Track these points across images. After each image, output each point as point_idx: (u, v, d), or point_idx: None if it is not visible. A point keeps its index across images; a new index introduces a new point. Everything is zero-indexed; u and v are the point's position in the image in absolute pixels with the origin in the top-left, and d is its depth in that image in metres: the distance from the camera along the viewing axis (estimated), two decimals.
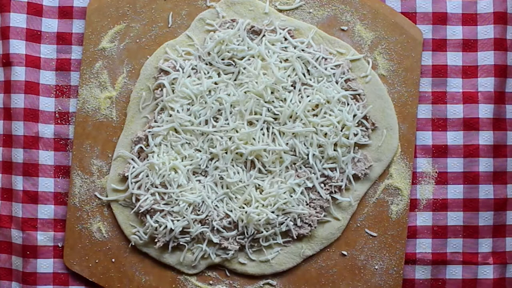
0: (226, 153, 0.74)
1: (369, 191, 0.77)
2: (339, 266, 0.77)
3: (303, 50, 0.76)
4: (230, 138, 0.74)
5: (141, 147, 0.75)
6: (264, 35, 0.76)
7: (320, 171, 0.74)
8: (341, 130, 0.74)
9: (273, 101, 0.74)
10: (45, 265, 0.77)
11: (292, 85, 0.75)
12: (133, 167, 0.75)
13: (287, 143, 0.74)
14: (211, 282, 0.77)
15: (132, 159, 0.76)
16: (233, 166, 0.74)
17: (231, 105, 0.74)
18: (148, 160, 0.75)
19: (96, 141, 0.77)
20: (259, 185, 0.74)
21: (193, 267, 0.76)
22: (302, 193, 0.74)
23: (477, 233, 0.77)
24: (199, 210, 0.74)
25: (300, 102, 0.74)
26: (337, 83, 0.75)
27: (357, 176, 0.76)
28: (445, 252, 0.77)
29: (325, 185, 0.75)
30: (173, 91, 0.75)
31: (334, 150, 0.74)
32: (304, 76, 0.75)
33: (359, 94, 0.76)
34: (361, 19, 0.77)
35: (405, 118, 0.77)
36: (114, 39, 0.78)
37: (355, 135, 0.75)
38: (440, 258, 0.77)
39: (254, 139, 0.74)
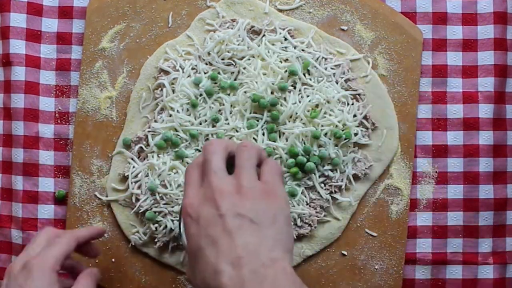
0: None
1: (369, 191, 0.77)
2: (339, 266, 0.77)
3: (303, 50, 0.76)
4: (230, 138, 0.74)
5: (141, 147, 0.75)
6: (264, 35, 0.76)
7: (320, 171, 0.74)
8: (342, 130, 0.74)
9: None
10: None
11: (292, 85, 0.75)
12: (133, 167, 0.75)
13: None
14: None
15: (132, 159, 0.76)
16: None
17: (231, 105, 0.75)
18: (148, 160, 0.75)
19: (96, 141, 0.77)
20: None
21: None
22: (302, 193, 0.74)
23: (477, 233, 0.77)
24: None
25: (300, 102, 0.74)
26: (337, 83, 0.75)
27: (357, 176, 0.76)
28: (445, 252, 0.77)
29: (325, 185, 0.75)
30: (173, 91, 0.75)
31: (334, 150, 0.74)
32: (304, 76, 0.75)
33: (359, 94, 0.76)
34: (361, 19, 0.77)
35: (405, 118, 0.77)
36: (114, 39, 0.78)
37: (355, 135, 0.75)
38: (440, 258, 0.77)
39: (254, 139, 0.74)
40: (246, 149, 0.57)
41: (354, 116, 0.75)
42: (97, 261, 0.77)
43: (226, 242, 0.51)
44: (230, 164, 0.58)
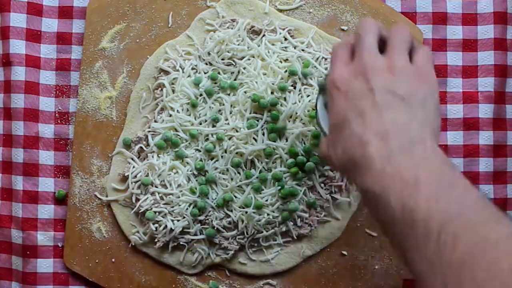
0: (226, 152, 0.74)
1: None
2: (339, 266, 0.77)
3: (303, 50, 0.76)
4: (230, 138, 0.74)
5: (141, 147, 0.75)
6: (264, 35, 0.76)
7: (320, 171, 0.74)
8: None
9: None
10: (45, 265, 0.77)
11: (292, 85, 0.75)
12: (133, 167, 0.75)
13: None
14: (211, 282, 0.76)
15: (132, 159, 0.76)
16: (232, 166, 0.74)
17: (231, 105, 0.74)
18: (148, 160, 0.75)
19: (96, 141, 0.77)
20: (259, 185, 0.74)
21: (193, 267, 0.76)
22: (304, 193, 0.74)
23: None
24: (199, 210, 0.74)
25: (300, 102, 0.74)
26: None
27: None
28: None
29: (325, 185, 0.75)
30: (173, 91, 0.75)
31: None
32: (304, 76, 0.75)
33: None
34: (361, 19, 0.77)
35: None
36: (114, 39, 0.78)
37: None
38: None
39: (254, 139, 0.74)
40: (401, 31, 0.57)
41: None
42: (97, 261, 0.77)
43: (374, 115, 0.52)
44: (381, 48, 0.58)
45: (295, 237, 0.75)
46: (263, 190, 0.74)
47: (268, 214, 0.73)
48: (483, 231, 0.45)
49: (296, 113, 0.74)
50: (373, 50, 0.56)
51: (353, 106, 0.54)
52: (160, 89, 0.76)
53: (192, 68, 0.76)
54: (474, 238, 0.44)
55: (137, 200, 0.75)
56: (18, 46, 0.77)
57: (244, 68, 0.74)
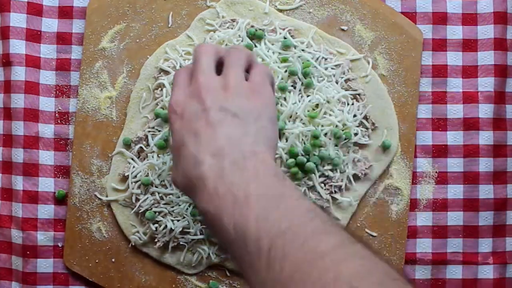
0: None
1: (369, 191, 0.77)
2: None
3: (303, 50, 0.76)
4: None
5: (141, 147, 0.75)
6: (264, 35, 0.76)
7: (320, 171, 0.74)
8: (342, 130, 0.74)
9: None
10: (45, 265, 0.77)
11: (292, 85, 0.75)
12: (133, 167, 0.75)
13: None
14: (211, 282, 0.76)
15: (132, 159, 0.76)
16: None
17: None
18: (148, 160, 0.75)
19: (96, 141, 0.77)
20: None
21: (193, 267, 0.76)
22: (304, 193, 0.74)
23: (477, 233, 0.77)
24: None
25: (300, 102, 0.74)
26: (337, 83, 0.75)
27: (357, 176, 0.76)
28: (445, 252, 0.77)
29: (325, 185, 0.75)
30: None
31: (335, 150, 0.74)
32: (304, 77, 0.75)
33: (359, 94, 0.76)
34: (361, 19, 0.77)
35: (405, 118, 0.77)
36: (114, 39, 0.78)
37: (355, 135, 0.75)
38: (440, 258, 0.77)
39: None
40: (236, 51, 0.59)
41: (354, 116, 0.75)
42: (97, 261, 0.77)
43: (208, 134, 0.53)
44: (220, 70, 0.59)
45: None
46: None
47: None
48: (311, 244, 0.44)
49: (296, 113, 0.73)
50: (208, 72, 0.57)
51: (189, 128, 0.54)
52: (160, 89, 0.76)
53: None
54: (301, 252, 0.44)
55: (137, 200, 0.75)
56: (18, 46, 0.77)
57: None
